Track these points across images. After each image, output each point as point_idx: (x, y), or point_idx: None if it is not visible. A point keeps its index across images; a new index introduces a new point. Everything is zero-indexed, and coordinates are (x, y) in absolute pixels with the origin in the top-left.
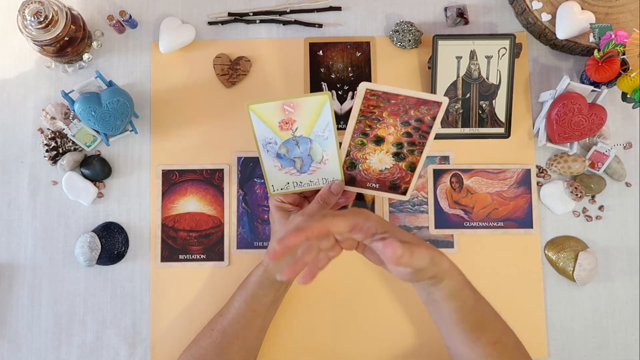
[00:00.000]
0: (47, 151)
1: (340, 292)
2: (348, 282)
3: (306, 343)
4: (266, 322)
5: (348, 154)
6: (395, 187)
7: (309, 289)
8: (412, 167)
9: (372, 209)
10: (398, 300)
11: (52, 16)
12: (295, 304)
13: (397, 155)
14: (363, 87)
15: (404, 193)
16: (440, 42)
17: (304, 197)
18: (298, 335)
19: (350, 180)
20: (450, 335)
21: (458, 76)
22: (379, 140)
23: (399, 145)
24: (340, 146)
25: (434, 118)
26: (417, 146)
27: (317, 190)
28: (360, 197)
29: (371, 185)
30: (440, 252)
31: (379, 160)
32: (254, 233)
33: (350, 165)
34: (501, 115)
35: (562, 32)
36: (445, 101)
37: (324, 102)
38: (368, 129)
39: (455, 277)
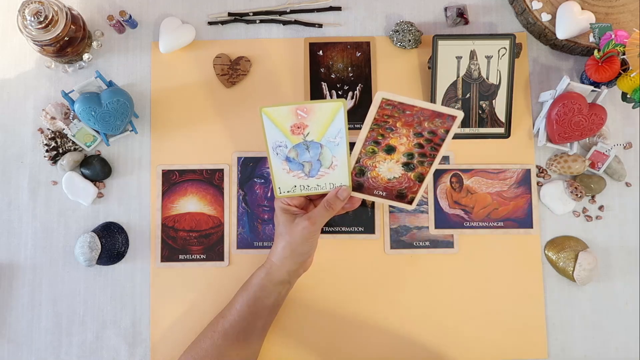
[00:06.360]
0: (47, 151)
1: (339, 294)
2: (348, 284)
3: (305, 345)
4: (267, 325)
5: (358, 161)
6: (402, 196)
7: (309, 291)
8: (421, 178)
9: (373, 209)
10: (398, 302)
11: (52, 16)
12: (295, 306)
13: (406, 165)
14: (379, 96)
15: (410, 202)
16: (440, 42)
17: (310, 200)
18: (297, 337)
19: (357, 187)
20: None
21: (458, 76)
22: (390, 150)
23: (410, 155)
24: (350, 153)
25: (447, 131)
26: (428, 158)
27: (324, 195)
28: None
29: (378, 192)
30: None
31: (388, 169)
32: (254, 233)
33: (359, 172)
34: (501, 115)
35: (562, 32)
36: (460, 115)
37: (338, 109)
38: (380, 138)
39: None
